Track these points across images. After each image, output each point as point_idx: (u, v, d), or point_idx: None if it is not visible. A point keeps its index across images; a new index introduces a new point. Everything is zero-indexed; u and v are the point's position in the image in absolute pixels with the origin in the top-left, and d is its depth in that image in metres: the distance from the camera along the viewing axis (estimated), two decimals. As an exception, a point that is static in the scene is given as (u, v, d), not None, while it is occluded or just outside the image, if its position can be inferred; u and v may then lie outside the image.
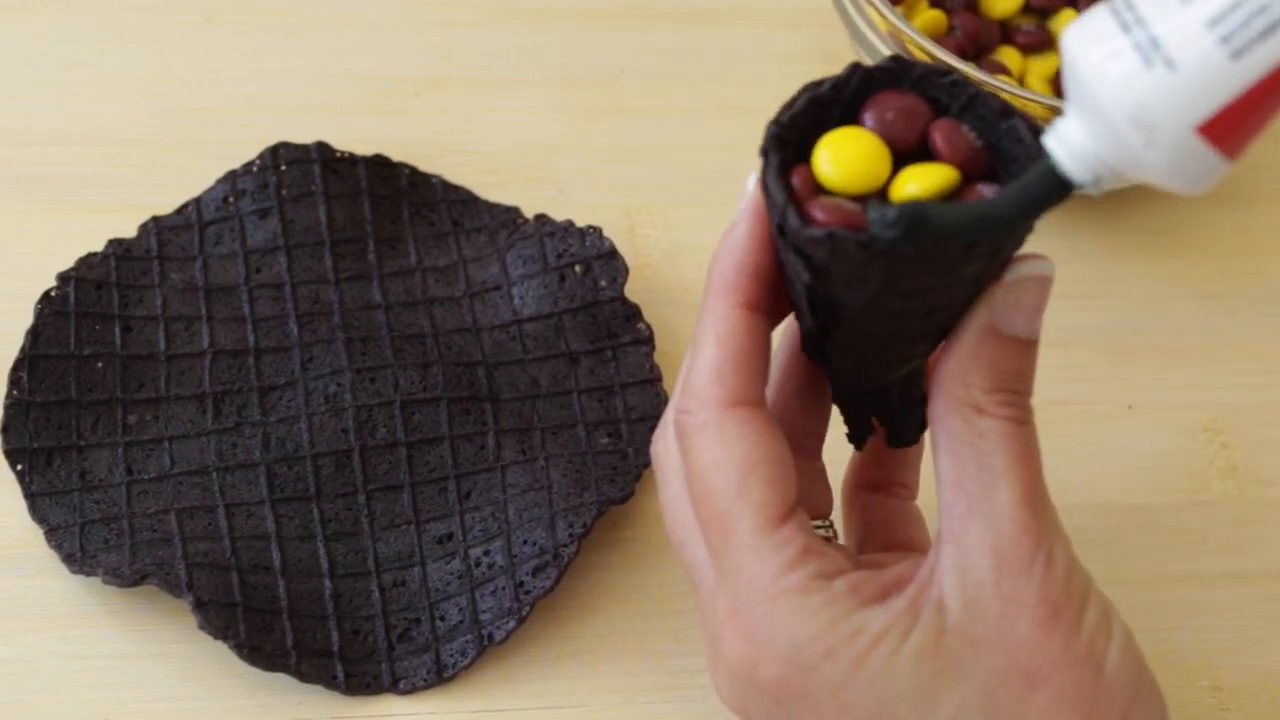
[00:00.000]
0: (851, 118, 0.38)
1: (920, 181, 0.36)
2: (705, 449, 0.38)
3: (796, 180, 0.36)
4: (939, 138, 0.37)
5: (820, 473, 0.44)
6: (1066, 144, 0.34)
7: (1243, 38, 0.32)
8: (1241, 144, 0.33)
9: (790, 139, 0.37)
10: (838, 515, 0.45)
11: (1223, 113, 0.32)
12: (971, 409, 0.37)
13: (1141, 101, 0.32)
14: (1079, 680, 0.37)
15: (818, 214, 0.36)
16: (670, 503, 0.41)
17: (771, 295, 0.39)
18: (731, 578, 0.38)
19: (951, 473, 0.37)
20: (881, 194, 0.37)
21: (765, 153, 0.37)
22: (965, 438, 0.37)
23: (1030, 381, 0.38)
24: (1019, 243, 0.37)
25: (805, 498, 0.42)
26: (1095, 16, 0.33)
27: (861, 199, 0.36)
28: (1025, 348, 0.37)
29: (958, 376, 0.37)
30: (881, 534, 0.44)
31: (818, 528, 0.43)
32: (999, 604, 0.36)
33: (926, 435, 0.42)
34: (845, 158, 0.36)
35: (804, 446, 0.43)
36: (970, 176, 0.37)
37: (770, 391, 0.42)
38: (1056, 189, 0.34)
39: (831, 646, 0.36)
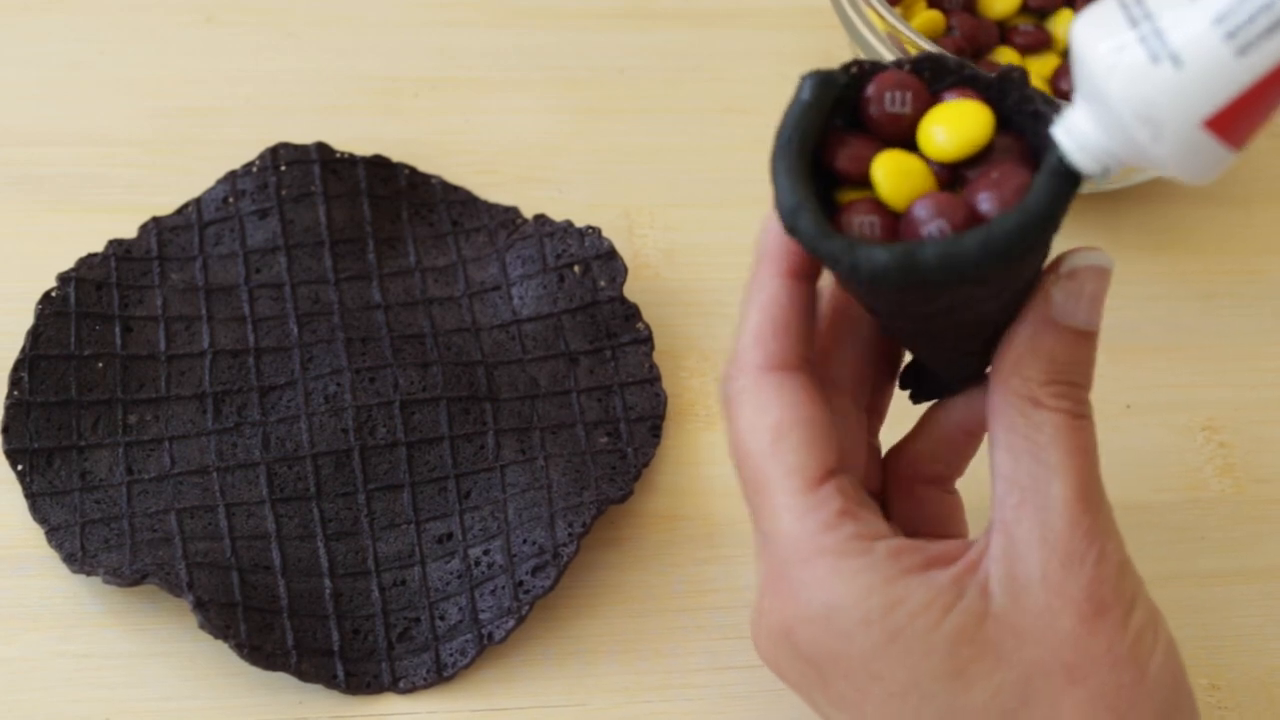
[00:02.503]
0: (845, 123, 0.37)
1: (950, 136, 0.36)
2: (743, 412, 0.38)
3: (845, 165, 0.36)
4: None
5: (875, 450, 0.44)
6: (1075, 135, 0.34)
7: (1249, 34, 0.31)
8: (1248, 135, 0.33)
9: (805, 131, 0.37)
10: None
11: (1229, 108, 0.32)
12: (1029, 402, 0.37)
13: (1148, 98, 0.32)
14: (1119, 680, 0.36)
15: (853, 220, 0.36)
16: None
17: (815, 262, 0.39)
18: (770, 540, 0.38)
19: (1007, 467, 0.37)
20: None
21: (784, 144, 0.36)
22: (1022, 430, 0.37)
23: (1089, 374, 0.38)
24: (1054, 230, 0.37)
25: (856, 471, 0.41)
26: (1104, 8, 0.33)
27: (949, 168, 0.36)
28: (1083, 339, 0.37)
29: (1015, 369, 0.37)
30: (932, 527, 0.44)
31: None
32: (1045, 596, 0.36)
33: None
34: (958, 126, 0.36)
35: (861, 422, 0.43)
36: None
37: (838, 363, 0.42)
38: (1065, 187, 0.34)
39: (868, 614, 0.36)
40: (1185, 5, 0.32)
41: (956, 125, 0.36)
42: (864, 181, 0.36)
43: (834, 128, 0.37)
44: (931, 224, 0.35)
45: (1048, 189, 0.34)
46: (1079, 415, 0.37)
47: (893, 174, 0.36)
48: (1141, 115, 0.32)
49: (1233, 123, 0.32)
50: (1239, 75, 0.32)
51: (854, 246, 0.34)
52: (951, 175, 0.36)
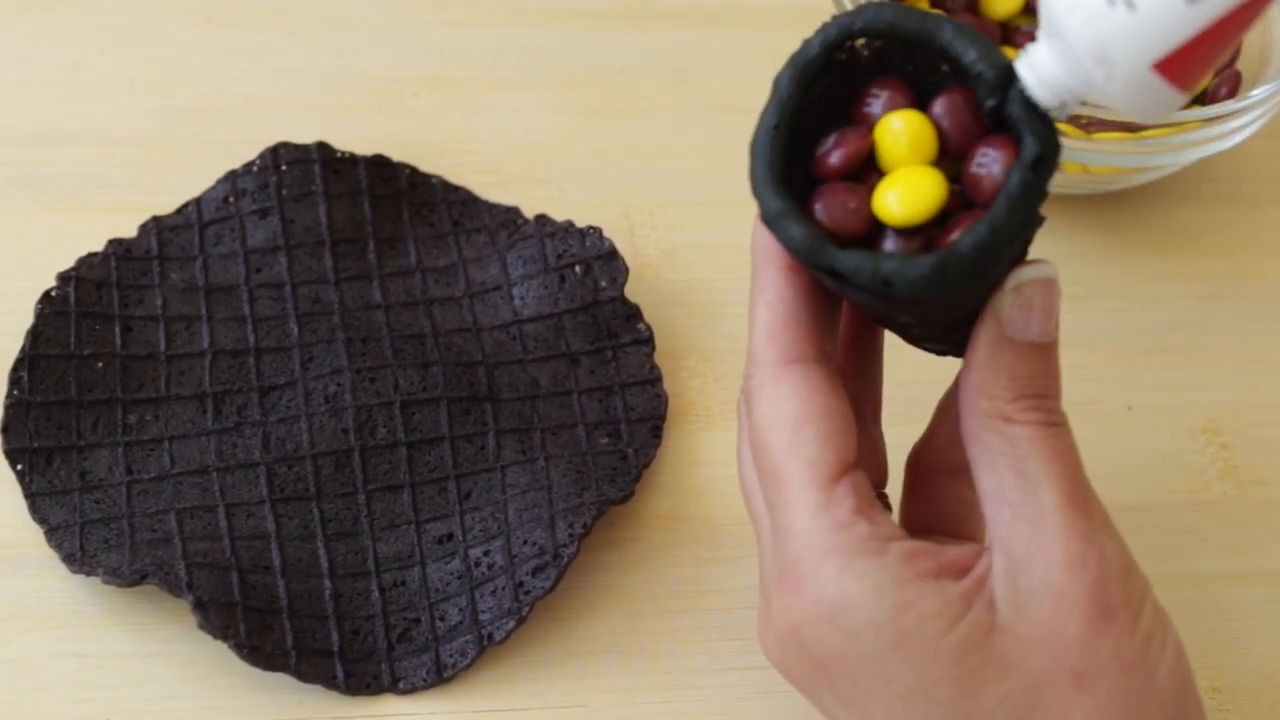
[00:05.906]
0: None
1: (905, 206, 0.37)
2: (762, 407, 0.38)
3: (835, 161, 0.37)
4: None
5: (875, 441, 0.43)
6: (1036, 69, 0.35)
7: None
8: (1196, 79, 0.35)
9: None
10: (895, 494, 0.44)
11: (1177, 52, 0.34)
12: (1000, 420, 0.37)
13: (1103, 38, 0.34)
14: (1128, 685, 0.36)
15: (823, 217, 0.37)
16: (741, 453, 0.42)
17: None
18: (783, 534, 0.38)
19: (992, 486, 0.37)
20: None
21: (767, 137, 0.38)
22: (999, 448, 0.37)
23: (1054, 384, 0.38)
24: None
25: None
26: None
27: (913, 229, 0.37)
28: (1042, 351, 0.37)
29: (981, 390, 0.37)
30: (949, 525, 0.43)
31: None
32: (1051, 603, 0.36)
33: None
34: (912, 193, 0.37)
35: (857, 412, 0.42)
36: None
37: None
38: (1040, 178, 0.35)
39: (876, 616, 0.36)
40: None
41: (910, 193, 0.37)
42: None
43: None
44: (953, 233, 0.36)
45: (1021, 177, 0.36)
46: (1053, 424, 0.37)
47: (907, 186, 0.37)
48: (1096, 54, 0.34)
49: (1181, 66, 0.34)
50: (1188, 22, 0.33)
51: (894, 260, 0.35)
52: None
